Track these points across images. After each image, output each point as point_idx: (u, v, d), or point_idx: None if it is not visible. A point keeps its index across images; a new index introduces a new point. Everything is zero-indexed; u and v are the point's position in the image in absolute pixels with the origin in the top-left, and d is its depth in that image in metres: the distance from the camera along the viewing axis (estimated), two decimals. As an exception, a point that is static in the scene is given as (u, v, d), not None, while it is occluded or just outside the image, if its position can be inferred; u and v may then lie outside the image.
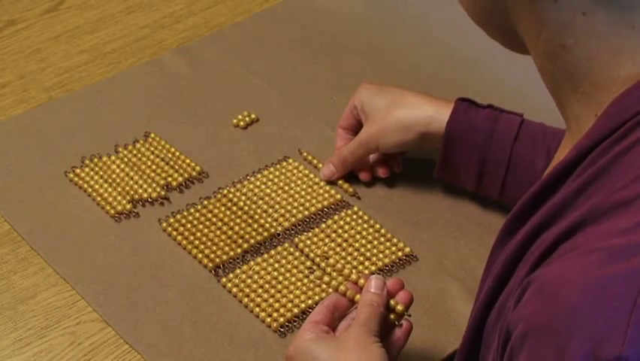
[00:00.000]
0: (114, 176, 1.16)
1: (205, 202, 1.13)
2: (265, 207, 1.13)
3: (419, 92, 1.12)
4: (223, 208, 1.12)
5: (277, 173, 1.17)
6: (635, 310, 0.61)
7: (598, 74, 0.72)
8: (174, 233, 1.09)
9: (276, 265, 1.07)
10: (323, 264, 1.07)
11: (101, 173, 1.16)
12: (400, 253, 1.09)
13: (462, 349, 0.82)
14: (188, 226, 1.10)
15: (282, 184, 1.16)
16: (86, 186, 1.14)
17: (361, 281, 0.92)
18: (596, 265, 0.63)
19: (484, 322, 0.78)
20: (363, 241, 1.10)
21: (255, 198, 1.14)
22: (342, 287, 0.92)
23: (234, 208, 1.12)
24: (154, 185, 1.15)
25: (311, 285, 1.05)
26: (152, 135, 1.21)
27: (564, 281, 0.64)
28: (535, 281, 0.66)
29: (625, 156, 0.68)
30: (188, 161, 1.18)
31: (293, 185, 1.16)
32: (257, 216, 1.12)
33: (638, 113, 0.69)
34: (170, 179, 1.16)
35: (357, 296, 0.92)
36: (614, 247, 0.63)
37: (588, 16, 0.71)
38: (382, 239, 1.10)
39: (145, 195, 1.13)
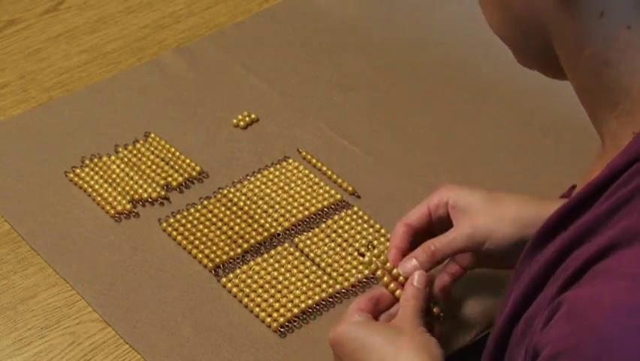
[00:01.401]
0: (114, 176, 1.16)
1: (205, 202, 1.13)
2: (265, 207, 1.13)
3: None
4: (223, 208, 1.12)
5: (277, 173, 1.17)
6: None
7: (639, 91, 0.71)
8: (174, 233, 1.09)
9: (276, 265, 1.07)
10: (323, 264, 1.07)
11: (101, 173, 1.16)
12: (399, 253, 1.09)
13: (485, 359, 0.82)
14: (188, 225, 1.10)
15: (281, 184, 1.16)
16: (86, 186, 1.14)
17: (401, 278, 0.93)
18: (626, 291, 0.63)
19: (509, 334, 0.77)
20: (364, 241, 1.10)
21: (255, 198, 1.14)
22: (385, 278, 0.93)
23: (234, 208, 1.12)
24: (154, 185, 1.15)
25: (311, 285, 1.05)
26: (152, 135, 1.21)
27: (594, 306, 0.63)
28: (566, 303, 0.66)
29: None
30: (188, 161, 1.18)
31: (293, 185, 1.16)
32: (257, 216, 1.12)
33: None
34: (170, 179, 1.16)
35: (399, 292, 0.92)
36: None
37: (633, 31, 0.70)
38: (382, 239, 1.10)
39: (145, 195, 1.13)
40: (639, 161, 0.70)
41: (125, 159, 1.18)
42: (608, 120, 0.75)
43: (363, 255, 1.02)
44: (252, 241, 1.09)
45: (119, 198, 1.13)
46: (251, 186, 1.15)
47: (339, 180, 1.17)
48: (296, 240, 1.09)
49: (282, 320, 1.01)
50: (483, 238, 0.94)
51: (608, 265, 0.66)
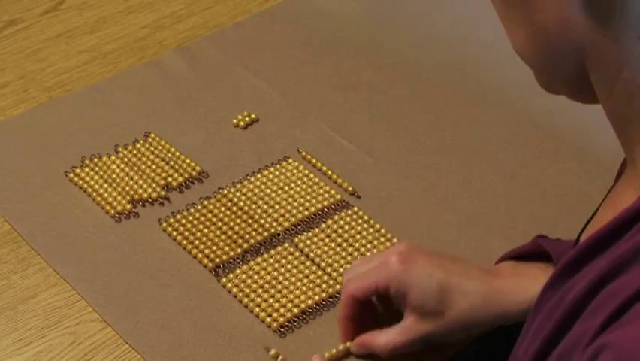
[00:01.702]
0: (114, 176, 1.16)
1: (205, 202, 1.13)
2: (265, 207, 1.13)
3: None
4: (223, 208, 1.12)
5: (277, 173, 1.17)
6: None
7: None
8: (174, 233, 1.09)
9: (276, 265, 1.07)
10: (323, 264, 1.07)
11: (101, 173, 1.16)
12: (399, 253, 1.09)
13: None
14: (188, 225, 1.10)
15: (281, 184, 1.16)
16: (86, 186, 1.14)
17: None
18: None
19: None
20: (363, 241, 1.10)
21: (255, 198, 1.14)
22: None
23: (234, 208, 1.12)
24: (154, 185, 1.15)
25: (311, 285, 1.05)
26: (152, 135, 1.21)
27: None
28: (612, 347, 0.63)
29: None
30: (188, 161, 1.18)
31: (293, 185, 1.16)
32: (257, 216, 1.12)
33: None
34: (170, 179, 1.16)
35: None
36: None
37: None
38: (382, 239, 1.10)
39: (145, 195, 1.13)
40: None
41: (125, 159, 1.18)
42: None
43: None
44: (252, 241, 1.09)
45: (119, 198, 1.13)
46: (251, 186, 1.15)
47: (339, 180, 1.17)
48: (296, 240, 1.09)
49: (282, 320, 1.01)
50: (429, 342, 0.94)
51: None
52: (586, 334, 0.67)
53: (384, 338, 0.95)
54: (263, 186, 1.15)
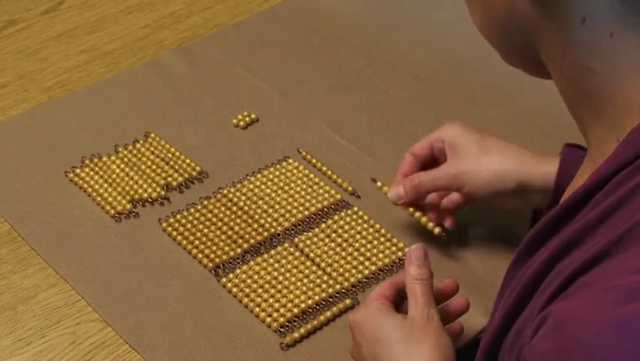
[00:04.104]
0: (114, 176, 1.16)
1: (205, 202, 1.13)
2: (265, 207, 1.13)
3: (513, 143, 1.05)
4: (223, 208, 1.12)
5: (277, 173, 1.17)
6: None
7: (623, 98, 0.71)
8: (174, 233, 1.09)
9: (276, 265, 1.07)
10: (323, 264, 1.07)
11: (101, 173, 1.16)
12: (400, 253, 1.09)
13: None
14: (188, 225, 1.10)
15: (281, 184, 1.16)
16: (86, 186, 1.14)
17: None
18: (612, 303, 0.62)
19: (500, 343, 0.76)
20: (363, 241, 1.10)
21: (255, 198, 1.14)
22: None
23: (234, 208, 1.12)
24: (154, 185, 1.15)
25: (311, 285, 1.05)
26: (152, 135, 1.21)
27: (581, 320, 0.63)
28: (552, 316, 0.65)
29: None
30: (188, 161, 1.18)
31: (293, 185, 1.16)
32: (257, 216, 1.12)
33: None
34: (170, 179, 1.16)
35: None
36: (631, 284, 0.62)
37: (615, 38, 0.69)
38: (382, 239, 1.10)
39: (145, 195, 1.13)
40: (624, 170, 0.69)
41: (125, 159, 1.18)
42: (592, 126, 0.74)
43: None
44: (252, 241, 1.09)
45: (119, 198, 1.13)
46: (251, 186, 1.15)
47: (339, 180, 1.17)
48: (296, 240, 1.09)
49: (282, 320, 1.01)
50: (464, 182, 1.03)
51: (594, 276, 0.65)
52: (536, 309, 0.70)
53: (423, 173, 1.06)
54: (263, 186, 1.15)
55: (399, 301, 0.93)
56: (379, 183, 1.11)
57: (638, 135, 0.69)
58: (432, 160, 1.08)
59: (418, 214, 1.08)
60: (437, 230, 1.07)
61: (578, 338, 0.62)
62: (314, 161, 1.19)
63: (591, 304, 0.63)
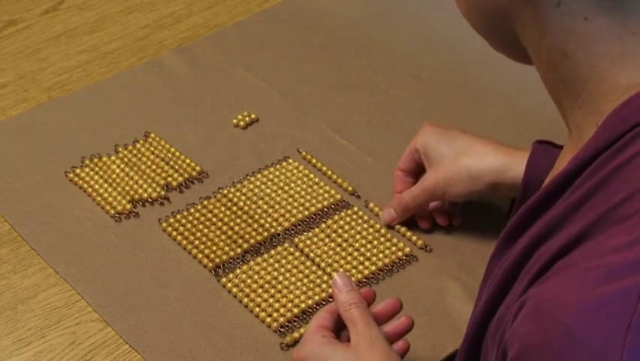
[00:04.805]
0: (114, 176, 1.16)
1: (205, 202, 1.13)
2: (265, 207, 1.13)
3: (486, 138, 1.08)
4: (223, 208, 1.12)
5: (277, 173, 1.17)
6: (630, 331, 0.60)
7: (599, 82, 0.71)
8: (174, 233, 1.09)
9: (276, 265, 1.07)
10: (323, 264, 1.07)
11: (101, 173, 1.16)
12: (399, 253, 1.09)
13: (460, 357, 0.82)
14: (188, 225, 1.10)
15: (281, 184, 1.16)
16: (86, 186, 1.14)
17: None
18: (591, 284, 0.62)
19: (483, 332, 0.77)
20: (363, 241, 1.10)
21: (255, 198, 1.14)
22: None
23: (234, 208, 1.12)
24: (154, 185, 1.15)
25: (311, 285, 1.05)
26: (152, 135, 1.21)
27: (560, 302, 0.63)
28: (532, 299, 0.66)
29: (623, 170, 0.67)
30: (188, 161, 1.18)
31: (293, 185, 1.16)
32: (257, 216, 1.12)
33: (637, 125, 0.68)
34: (170, 179, 1.16)
35: None
36: (610, 264, 0.63)
37: (589, 22, 0.70)
38: (382, 239, 1.10)
39: (145, 195, 1.13)
40: (602, 154, 0.69)
41: (125, 159, 1.18)
42: (572, 111, 0.74)
43: None
44: (252, 241, 1.09)
45: (119, 198, 1.13)
46: (251, 186, 1.15)
47: (339, 180, 1.17)
48: (296, 240, 1.10)
49: (282, 320, 1.01)
50: (443, 190, 1.07)
51: (573, 258, 0.66)
52: (517, 294, 0.70)
53: (407, 192, 1.10)
54: (263, 186, 1.15)
55: (338, 330, 0.90)
56: (371, 205, 1.14)
57: (616, 119, 0.70)
58: (420, 168, 1.12)
59: (403, 229, 1.11)
60: (420, 242, 1.10)
61: (558, 319, 0.62)
62: (314, 161, 1.19)
63: (570, 285, 0.64)
